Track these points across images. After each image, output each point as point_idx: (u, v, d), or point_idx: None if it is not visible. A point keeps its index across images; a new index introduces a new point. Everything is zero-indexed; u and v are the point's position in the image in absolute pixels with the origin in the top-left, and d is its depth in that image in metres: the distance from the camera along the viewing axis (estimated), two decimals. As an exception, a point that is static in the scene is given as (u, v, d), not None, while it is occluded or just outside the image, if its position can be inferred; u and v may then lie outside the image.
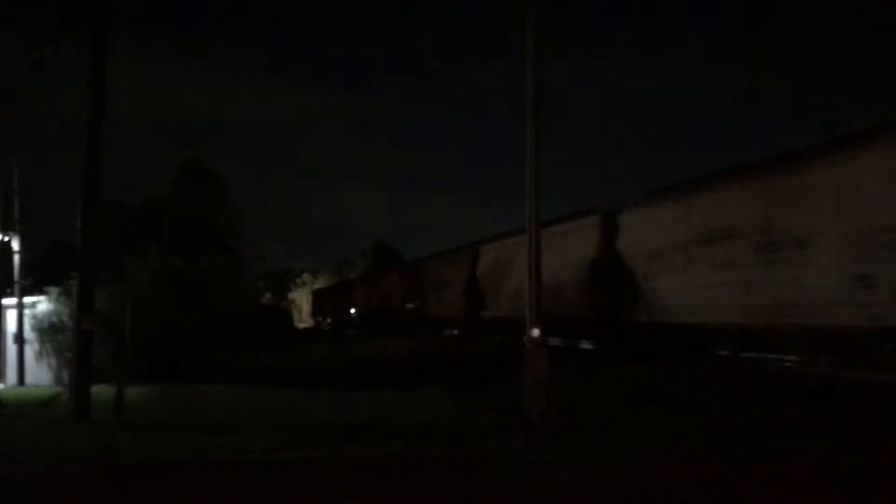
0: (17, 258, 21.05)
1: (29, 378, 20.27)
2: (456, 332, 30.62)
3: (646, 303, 17.17)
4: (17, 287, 20.81)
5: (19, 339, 20.35)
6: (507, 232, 24.79)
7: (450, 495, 7.19)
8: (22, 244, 21.17)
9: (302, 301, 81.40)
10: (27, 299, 20.77)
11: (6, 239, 20.42)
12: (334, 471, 8.42)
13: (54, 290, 20.31)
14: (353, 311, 51.33)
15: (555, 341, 17.60)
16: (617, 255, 18.40)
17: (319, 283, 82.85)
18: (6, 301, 20.29)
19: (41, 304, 20.56)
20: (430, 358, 21.35)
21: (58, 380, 19.95)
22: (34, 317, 20.50)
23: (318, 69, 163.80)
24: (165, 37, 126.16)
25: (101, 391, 13.81)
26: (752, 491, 7.08)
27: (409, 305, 36.27)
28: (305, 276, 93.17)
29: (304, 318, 71.70)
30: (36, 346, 20.46)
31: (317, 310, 65.26)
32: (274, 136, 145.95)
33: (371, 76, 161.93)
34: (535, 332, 11.40)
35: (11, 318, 20.60)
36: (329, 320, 56.07)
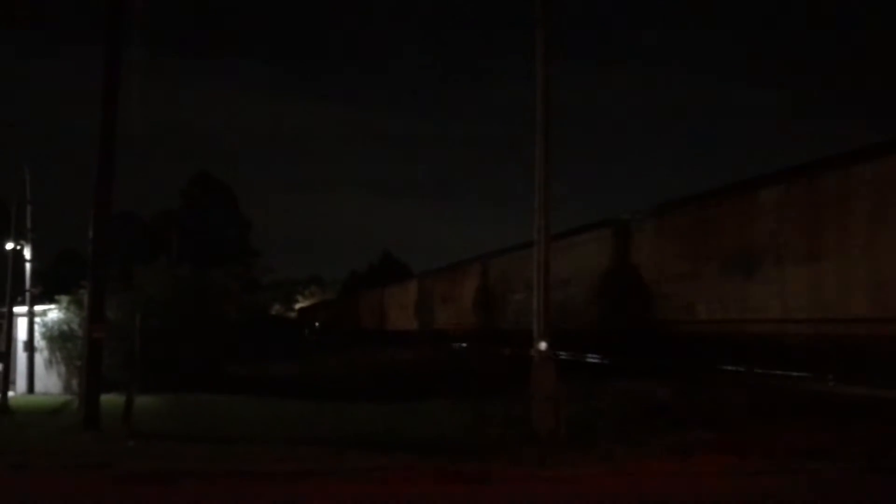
0: (28, 266, 21.23)
1: (39, 386, 20.39)
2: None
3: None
4: (27, 295, 20.97)
5: (29, 347, 20.50)
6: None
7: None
8: (33, 253, 21.35)
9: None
10: (38, 308, 20.92)
11: (18, 248, 20.60)
12: (338, 481, 8.47)
13: (64, 299, 20.47)
14: (316, 324, 73.67)
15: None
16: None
17: (319, 297, 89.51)
18: (17, 309, 20.45)
19: (51, 313, 20.72)
20: (435, 369, 21.39)
21: (67, 388, 20.09)
22: (44, 325, 20.65)
23: (326, 83, 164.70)
24: (171, 47, 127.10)
25: (110, 400, 13.89)
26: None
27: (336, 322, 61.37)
28: (314, 288, 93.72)
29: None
30: (46, 354, 20.61)
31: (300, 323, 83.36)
32: (288, 147, 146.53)
33: (380, 90, 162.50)
34: (543, 346, 11.41)
35: (22, 326, 20.76)
36: (307, 331, 74.04)
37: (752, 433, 9.82)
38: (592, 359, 21.15)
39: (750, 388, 12.89)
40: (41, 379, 20.55)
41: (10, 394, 18.40)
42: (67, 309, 20.28)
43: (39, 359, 20.65)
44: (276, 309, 58.48)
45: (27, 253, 21.05)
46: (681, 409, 11.65)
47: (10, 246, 20.29)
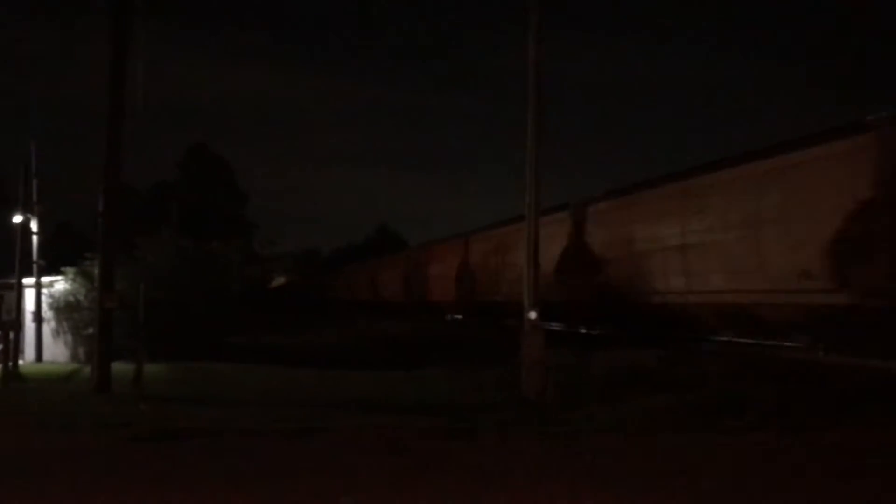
0: (34, 239, 21.76)
1: (46, 355, 21.04)
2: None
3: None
4: (35, 267, 21.51)
5: (37, 317, 21.11)
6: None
7: (442, 459, 7.90)
8: (39, 226, 21.87)
9: None
10: (44, 279, 21.48)
11: (24, 221, 21.12)
12: (337, 439, 9.15)
13: (71, 271, 21.06)
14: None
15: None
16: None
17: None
18: (25, 281, 21.01)
19: (58, 284, 21.30)
20: (430, 339, 22.09)
21: (74, 357, 20.79)
22: (51, 296, 21.24)
23: (322, 53, 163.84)
24: (169, 17, 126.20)
25: (117, 367, 14.55)
26: (711, 459, 7.84)
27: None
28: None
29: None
30: (53, 324, 21.24)
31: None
32: (283, 119, 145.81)
33: (379, 60, 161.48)
34: (532, 315, 12.09)
35: (30, 297, 21.33)
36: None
37: (725, 396, 10.51)
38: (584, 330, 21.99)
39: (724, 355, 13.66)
40: (49, 348, 21.19)
41: (20, 362, 19.02)
42: (74, 280, 20.86)
43: (47, 329, 21.26)
44: (277, 281, 59.04)
45: (34, 226, 21.55)
46: (661, 375, 12.35)
47: (18, 219, 20.78)
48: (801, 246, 12.19)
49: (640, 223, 17.02)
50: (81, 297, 20.43)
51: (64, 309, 20.92)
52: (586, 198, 20.45)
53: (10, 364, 17.01)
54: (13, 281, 20.47)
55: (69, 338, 21.01)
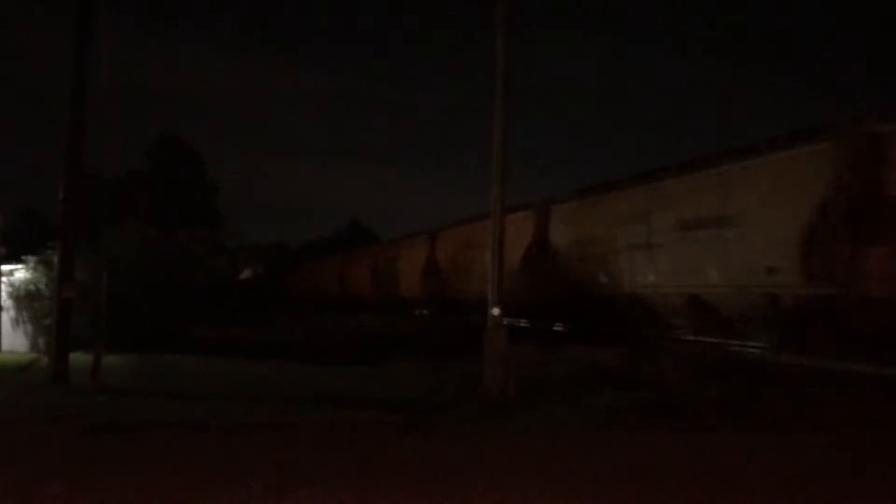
0: (-6, 227, 21.35)
1: (5, 344, 20.64)
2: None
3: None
4: (-6, 255, 21.12)
5: (-4, 306, 20.71)
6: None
7: (398, 455, 7.87)
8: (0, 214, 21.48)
9: None
10: (4, 267, 21.09)
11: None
12: (295, 433, 9.08)
13: (32, 259, 20.68)
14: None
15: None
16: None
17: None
18: (-16, 268, 20.61)
19: (18, 273, 20.91)
20: (398, 335, 22.04)
21: (34, 346, 20.40)
22: (11, 285, 20.84)
23: (293, 47, 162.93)
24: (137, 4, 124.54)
25: (77, 358, 14.28)
26: (669, 453, 7.90)
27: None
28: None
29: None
30: (13, 313, 20.84)
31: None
32: (255, 111, 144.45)
33: (350, 54, 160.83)
34: (496, 312, 12.06)
35: (-11, 285, 20.93)
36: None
37: (684, 395, 10.61)
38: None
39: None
40: (7, 337, 20.79)
41: (-22, 351, 18.66)
42: (35, 269, 20.50)
43: (6, 318, 20.86)
44: (245, 273, 58.58)
45: (-7, 214, 21.15)
46: (625, 373, 12.44)
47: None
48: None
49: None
50: (42, 286, 20.07)
51: (24, 298, 20.54)
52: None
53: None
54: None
55: (29, 327, 20.63)
